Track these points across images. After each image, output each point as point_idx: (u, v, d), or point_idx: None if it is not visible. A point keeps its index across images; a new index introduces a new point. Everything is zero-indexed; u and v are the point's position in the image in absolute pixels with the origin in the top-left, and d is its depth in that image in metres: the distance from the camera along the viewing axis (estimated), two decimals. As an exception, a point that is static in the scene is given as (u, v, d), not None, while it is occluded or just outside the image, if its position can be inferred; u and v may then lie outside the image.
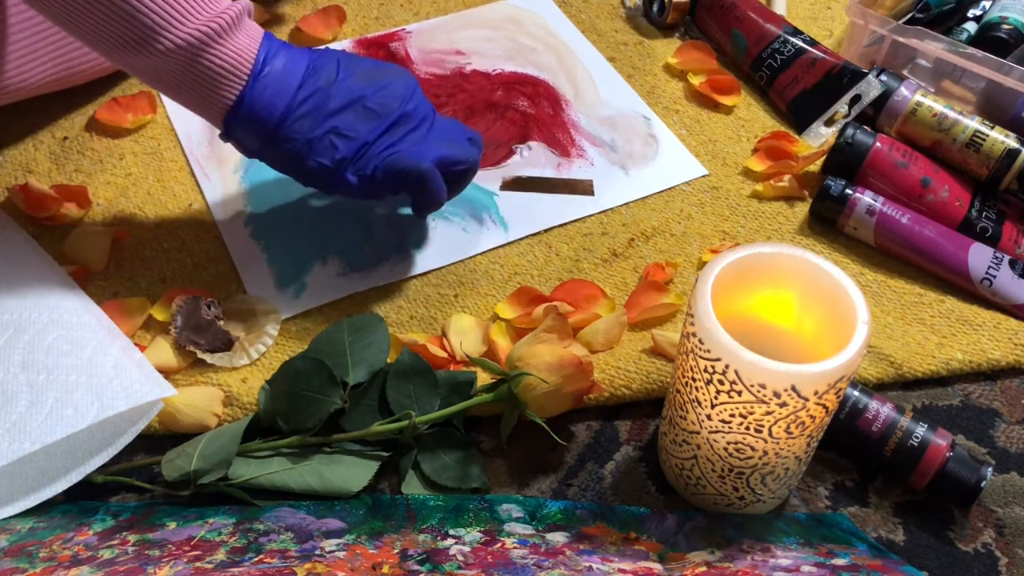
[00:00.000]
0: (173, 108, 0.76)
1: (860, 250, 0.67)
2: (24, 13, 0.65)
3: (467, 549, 0.47)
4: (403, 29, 0.84)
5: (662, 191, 0.71)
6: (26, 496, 0.51)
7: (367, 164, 0.56)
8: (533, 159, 0.72)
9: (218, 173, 0.71)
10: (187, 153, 0.72)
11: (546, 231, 0.68)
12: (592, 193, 0.69)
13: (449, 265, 0.65)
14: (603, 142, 0.74)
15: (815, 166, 0.72)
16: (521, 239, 0.67)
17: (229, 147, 0.73)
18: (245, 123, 0.55)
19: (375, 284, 0.63)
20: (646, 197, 0.70)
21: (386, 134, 0.57)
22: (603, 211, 0.69)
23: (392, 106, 0.57)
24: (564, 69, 0.81)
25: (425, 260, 0.65)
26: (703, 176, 0.72)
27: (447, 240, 0.67)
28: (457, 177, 0.60)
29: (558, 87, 0.79)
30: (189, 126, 0.74)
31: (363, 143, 0.56)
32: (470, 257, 0.66)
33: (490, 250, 0.66)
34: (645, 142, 0.75)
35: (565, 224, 0.68)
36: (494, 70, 0.80)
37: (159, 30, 0.50)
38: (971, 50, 0.70)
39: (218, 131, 0.58)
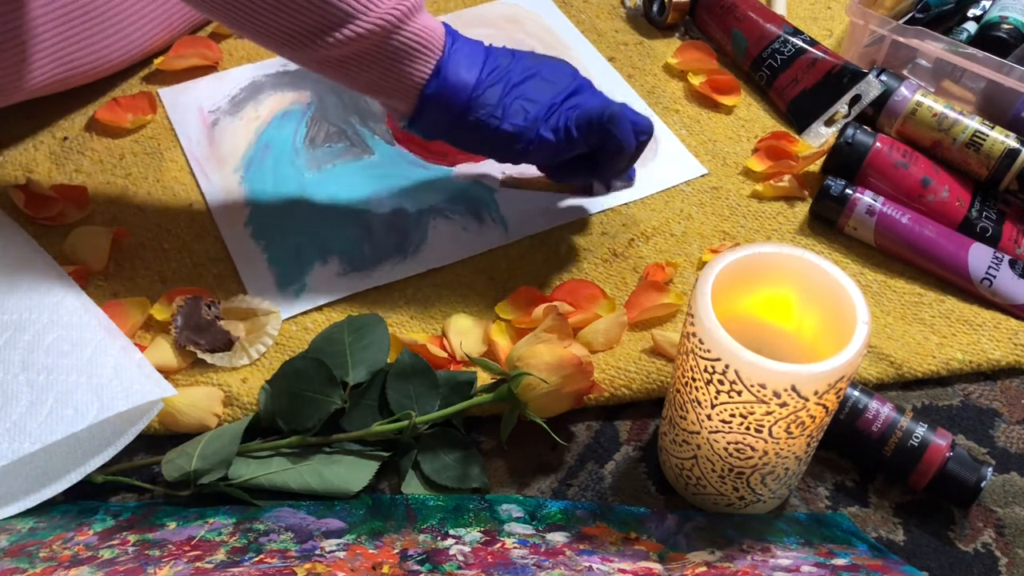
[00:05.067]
0: (173, 108, 0.76)
1: (860, 250, 0.67)
2: (25, 15, 0.65)
3: (467, 549, 0.47)
4: None
5: (662, 191, 0.71)
6: (26, 496, 0.51)
7: (559, 119, 0.58)
8: None
9: (218, 173, 0.71)
10: (187, 153, 0.72)
11: (546, 231, 0.68)
12: (592, 193, 0.69)
13: (449, 265, 0.65)
14: None
15: (815, 166, 0.72)
16: (521, 239, 0.67)
17: (229, 147, 0.73)
18: (441, 96, 0.56)
19: (375, 284, 0.64)
20: (646, 197, 0.70)
21: (569, 98, 0.59)
22: (603, 211, 0.69)
23: (565, 80, 0.59)
24: None
25: (426, 259, 0.65)
26: (703, 176, 0.72)
27: (447, 239, 0.67)
28: (638, 146, 0.61)
29: (558, 87, 0.79)
30: (188, 126, 0.74)
31: (550, 104, 0.58)
32: (470, 256, 0.66)
33: (490, 250, 0.66)
34: None
35: (565, 224, 0.68)
36: (494, 70, 0.80)
37: (355, 14, 0.52)
38: (971, 50, 0.70)
39: (399, 120, 0.59)
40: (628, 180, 0.68)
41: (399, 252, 0.66)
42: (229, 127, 0.75)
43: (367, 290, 0.63)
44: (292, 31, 0.53)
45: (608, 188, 0.68)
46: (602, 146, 0.59)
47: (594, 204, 0.69)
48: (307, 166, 0.72)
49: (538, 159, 0.60)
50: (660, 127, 0.76)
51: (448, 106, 0.56)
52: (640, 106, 0.77)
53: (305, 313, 0.62)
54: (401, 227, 0.67)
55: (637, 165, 0.73)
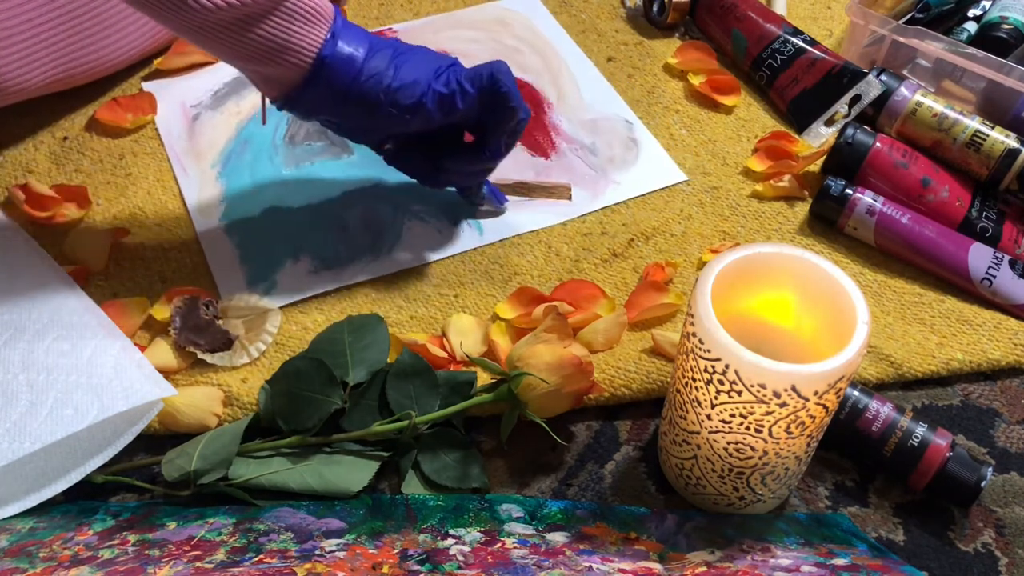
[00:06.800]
0: (160, 103, 0.75)
1: (860, 250, 0.67)
2: (25, 15, 0.65)
3: (467, 549, 0.47)
4: (389, 28, 0.84)
5: (650, 192, 0.70)
6: (26, 496, 0.51)
7: (449, 77, 0.58)
8: (513, 160, 0.71)
9: (196, 168, 0.71)
10: (167, 148, 0.72)
11: (547, 231, 0.68)
12: (570, 198, 0.69)
13: (449, 265, 0.65)
14: (584, 145, 0.74)
15: (815, 166, 0.72)
16: (521, 240, 0.67)
17: (207, 142, 0.72)
18: (335, 62, 0.55)
19: (346, 283, 0.63)
20: (644, 198, 0.70)
21: (452, 67, 0.59)
22: (588, 212, 0.69)
23: (446, 56, 0.60)
24: (548, 71, 0.80)
25: (397, 260, 0.65)
26: (703, 176, 0.72)
27: (421, 241, 0.66)
28: (519, 122, 0.61)
29: (541, 89, 0.79)
30: (169, 121, 0.74)
31: (436, 68, 0.58)
32: (470, 257, 0.66)
33: (491, 250, 0.66)
34: (626, 146, 0.74)
35: (564, 224, 0.68)
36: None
37: None
38: (971, 50, 0.70)
39: (277, 96, 0.57)
40: (499, 204, 0.68)
41: (372, 252, 0.65)
42: (209, 122, 0.74)
43: (366, 290, 0.63)
44: None
45: (482, 199, 0.68)
46: (491, 101, 0.59)
47: (572, 208, 0.69)
48: (285, 163, 0.71)
49: (430, 117, 0.58)
50: (642, 131, 0.75)
51: (342, 73, 0.55)
52: (623, 110, 0.77)
53: (305, 312, 0.62)
54: (376, 227, 0.67)
55: (617, 168, 0.72)
